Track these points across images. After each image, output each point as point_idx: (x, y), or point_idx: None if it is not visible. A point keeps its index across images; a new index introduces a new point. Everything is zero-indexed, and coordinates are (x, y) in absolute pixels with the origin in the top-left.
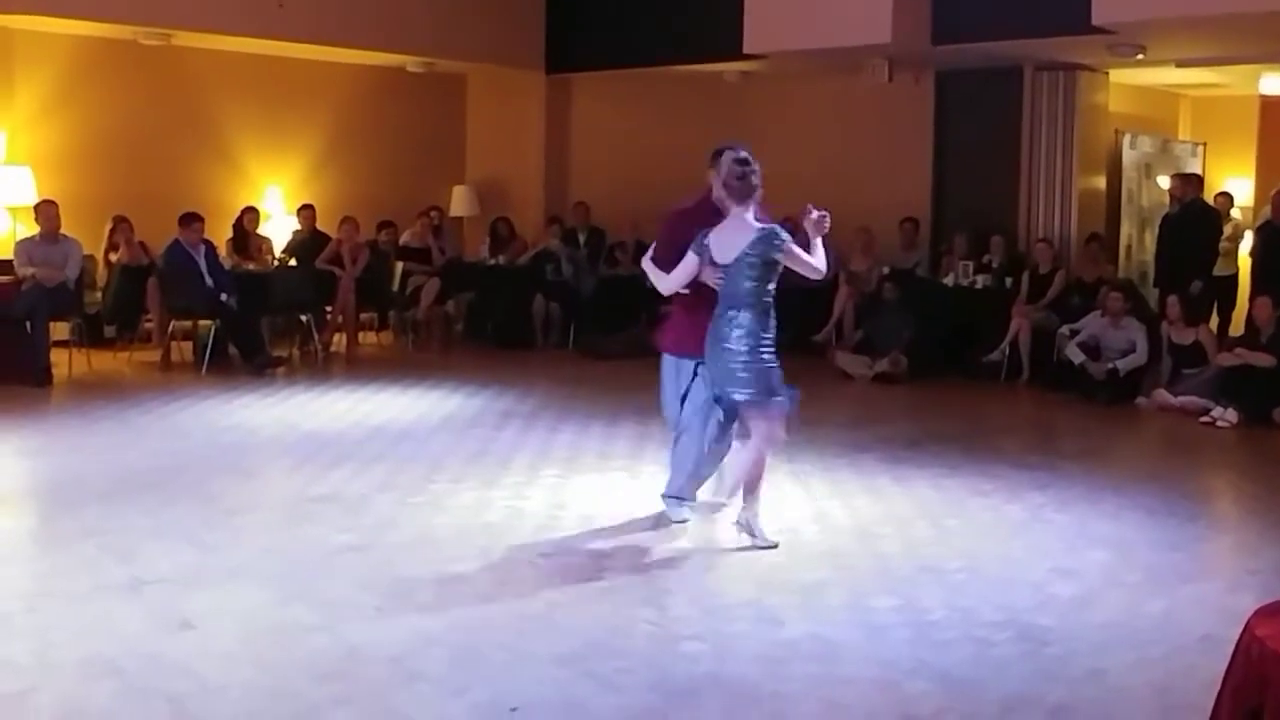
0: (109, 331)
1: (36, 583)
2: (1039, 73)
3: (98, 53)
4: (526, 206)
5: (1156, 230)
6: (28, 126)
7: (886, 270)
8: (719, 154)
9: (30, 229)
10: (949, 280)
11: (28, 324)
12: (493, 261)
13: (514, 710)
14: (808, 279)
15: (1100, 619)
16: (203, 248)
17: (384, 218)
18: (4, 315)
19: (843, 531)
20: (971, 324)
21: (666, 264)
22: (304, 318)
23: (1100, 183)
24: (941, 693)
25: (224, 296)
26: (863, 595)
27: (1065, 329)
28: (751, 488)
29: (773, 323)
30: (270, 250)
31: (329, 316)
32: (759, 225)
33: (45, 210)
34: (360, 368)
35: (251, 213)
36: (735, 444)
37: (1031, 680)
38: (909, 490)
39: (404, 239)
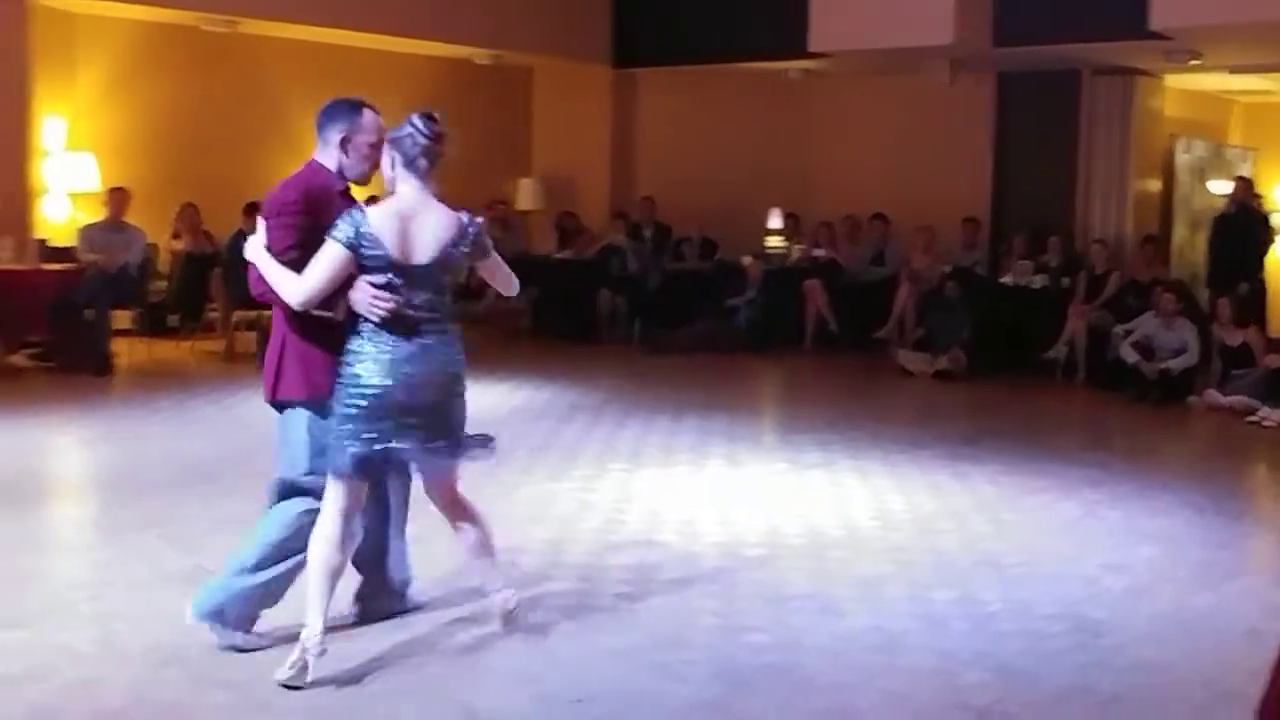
0: (172, 320)
1: (98, 572)
2: (1097, 76)
3: (159, 39)
4: (592, 200)
5: (1209, 232)
6: (90, 112)
7: (948, 269)
8: (358, 108)
9: (91, 215)
10: (1008, 279)
11: (90, 311)
12: (559, 255)
13: (579, 701)
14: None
15: (1150, 612)
16: None
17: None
18: (66, 302)
19: (903, 525)
20: (1029, 323)
21: (298, 257)
22: None
23: (1155, 185)
24: (999, 683)
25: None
26: (922, 588)
27: (1120, 329)
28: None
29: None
30: None
31: None
32: (459, 213)
33: (115, 197)
34: None
35: None
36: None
37: (1085, 671)
38: (968, 485)
39: None
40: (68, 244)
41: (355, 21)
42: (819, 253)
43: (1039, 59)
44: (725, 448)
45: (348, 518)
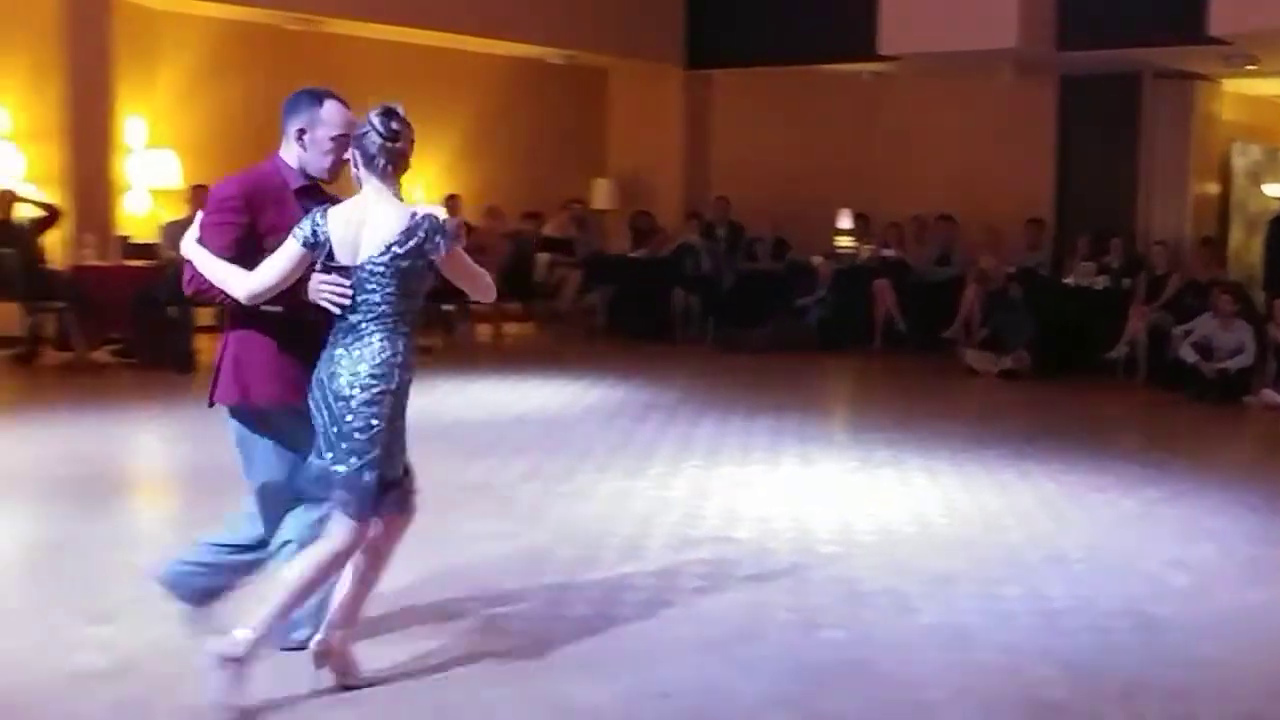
0: None
1: None
2: (1157, 80)
3: (240, 37)
4: (666, 200)
5: (1264, 235)
6: (171, 110)
7: (1012, 269)
8: (319, 99)
9: (173, 212)
10: (1070, 280)
11: (172, 308)
12: (634, 255)
13: (665, 696)
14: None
15: (1210, 608)
16: None
17: (529, 208)
18: (148, 299)
19: (971, 522)
20: (1091, 323)
21: (232, 258)
22: (449, 307)
23: (1213, 188)
24: (1066, 678)
25: None
26: (990, 584)
27: (1179, 329)
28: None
29: (409, 355)
30: None
31: (473, 306)
32: (412, 209)
33: (197, 194)
34: (505, 358)
35: None
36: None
37: (1149, 666)
38: (1032, 483)
39: (547, 230)
40: (150, 240)
41: (434, 21)
42: (888, 253)
43: (1101, 63)
44: (798, 445)
45: None
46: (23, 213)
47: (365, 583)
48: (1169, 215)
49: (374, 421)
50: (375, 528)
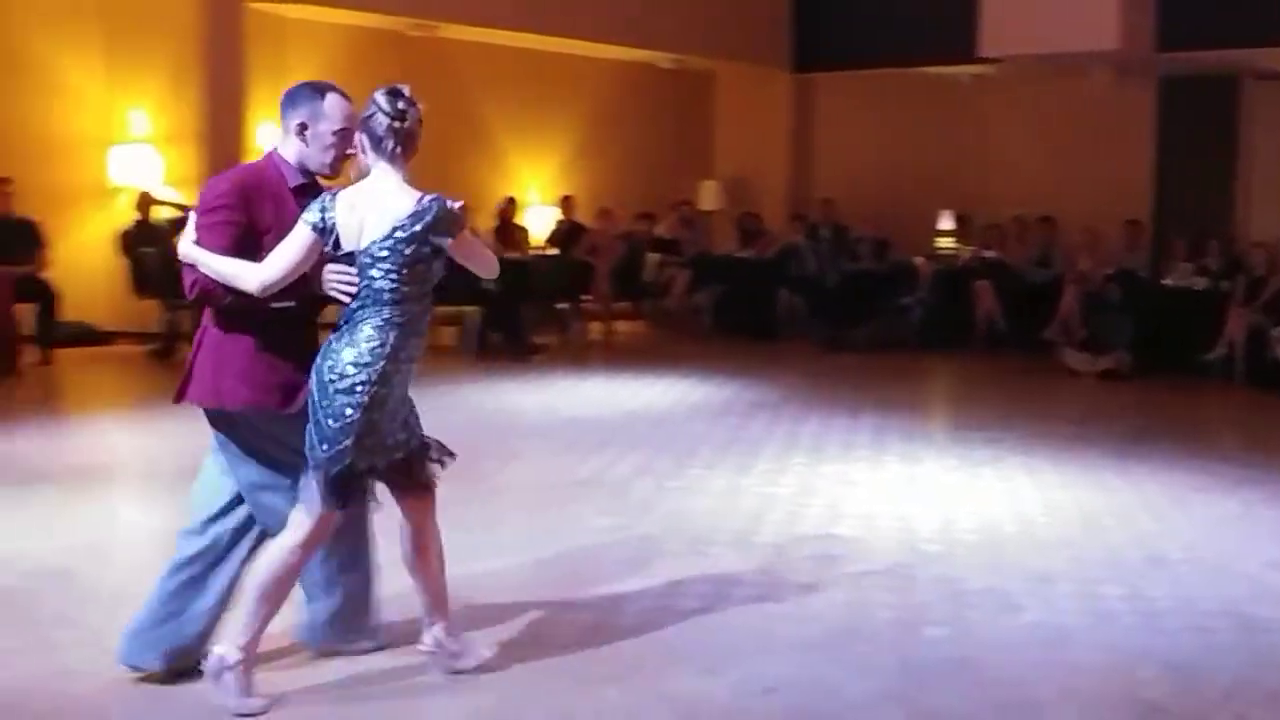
0: None
1: None
2: (1257, 81)
3: (364, 43)
4: (772, 201)
5: None
6: None
7: (1111, 270)
8: (321, 92)
9: None
10: (1169, 281)
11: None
12: (740, 255)
13: (772, 690)
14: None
15: None
16: None
17: (640, 210)
18: None
19: (1071, 522)
20: (1190, 324)
21: (233, 253)
22: (562, 306)
23: None
24: (1168, 678)
25: (486, 284)
26: (1092, 583)
27: (1278, 330)
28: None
29: (403, 349)
30: (528, 239)
31: (586, 305)
32: (419, 194)
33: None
34: (616, 355)
35: (512, 202)
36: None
37: (1251, 667)
38: (1132, 483)
39: (657, 231)
40: None
41: (549, 26)
42: (988, 254)
43: (1200, 64)
44: (901, 444)
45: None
46: (161, 214)
47: (431, 570)
48: (1268, 217)
49: (348, 411)
50: (340, 519)
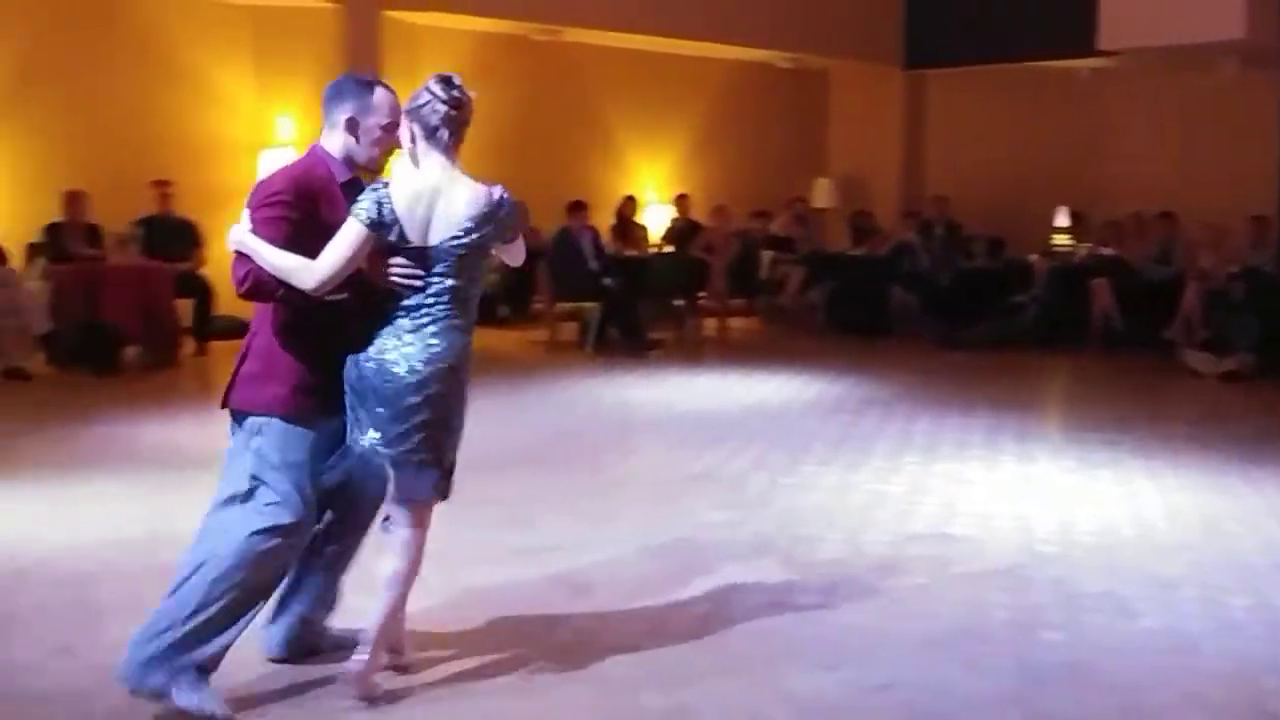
0: (502, 311)
1: (444, 544)
2: None
3: (492, 47)
4: (884, 199)
5: None
6: None
7: (1235, 268)
8: (369, 86)
9: None
10: None
11: None
12: (853, 253)
13: (886, 687)
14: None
15: None
16: (587, 234)
17: (758, 207)
18: None
19: (1193, 526)
20: None
21: (286, 248)
22: (679, 302)
23: None
24: None
25: (606, 280)
26: (1215, 590)
27: None
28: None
29: (463, 348)
30: (647, 237)
31: (701, 302)
32: (488, 188)
33: None
34: (730, 352)
35: (631, 201)
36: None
37: None
38: (1257, 488)
39: (771, 228)
40: None
41: (666, 27)
42: (1105, 251)
43: None
44: (1015, 443)
45: None
46: None
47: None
48: None
49: (426, 410)
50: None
